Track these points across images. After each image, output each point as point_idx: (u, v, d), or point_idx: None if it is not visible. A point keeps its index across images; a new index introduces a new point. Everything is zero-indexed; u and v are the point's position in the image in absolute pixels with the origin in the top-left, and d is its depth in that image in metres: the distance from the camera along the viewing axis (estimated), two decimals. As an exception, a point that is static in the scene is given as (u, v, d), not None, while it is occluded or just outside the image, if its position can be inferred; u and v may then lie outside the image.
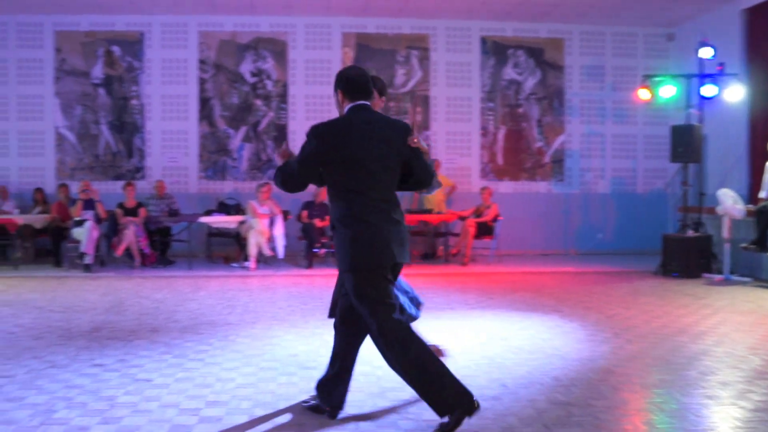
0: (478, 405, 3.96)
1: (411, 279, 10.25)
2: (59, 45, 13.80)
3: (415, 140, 4.15)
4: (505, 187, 14.24)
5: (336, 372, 4.33)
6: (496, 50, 14.24)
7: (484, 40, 14.22)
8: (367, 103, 4.19)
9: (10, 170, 13.80)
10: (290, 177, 4.15)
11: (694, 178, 12.01)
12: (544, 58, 14.30)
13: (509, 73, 14.28)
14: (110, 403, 4.54)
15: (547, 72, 14.30)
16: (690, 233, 11.16)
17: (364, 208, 4.01)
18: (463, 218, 12.75)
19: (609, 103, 14.43)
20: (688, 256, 10.87)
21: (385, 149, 4.08)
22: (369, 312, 4.03)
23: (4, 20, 13.68)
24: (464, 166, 14.21)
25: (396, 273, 4.22)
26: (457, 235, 12.91)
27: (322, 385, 4.38)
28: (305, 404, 4.46)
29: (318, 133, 4.06)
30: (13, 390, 4.83)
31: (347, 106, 4.18)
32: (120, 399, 4.64)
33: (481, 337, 6.57)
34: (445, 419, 3.92)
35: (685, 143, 11.21)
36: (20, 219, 12.08)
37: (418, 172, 4.22)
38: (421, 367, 3.96)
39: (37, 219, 12.49)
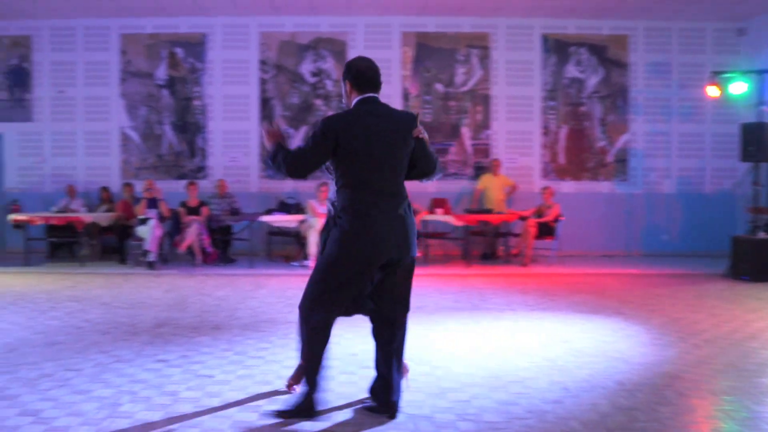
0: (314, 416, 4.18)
1: (471, 280, 10.25)
2: (124, 47, 14.06)
3: (421, 130, 4.14)
4: (567, 186, 14.04)
5: (378, 374, 4.35)
6: (557, 48, 14.04)
7: (545, 38, 14.04)
8: (376, 95, 4.19)
9: (77, 169, 14.14)
10: (296, 165, 4.10)
11: (765, 177, 11.67)
12: (607, 55, 14.05)
13: (571, 71, 14.07)
14: (173, 398, 4.62)
15: (610, 70, 14.05)
16: (761, 235, 10.82)
17: (370, 201, 4.04)
18: (523, 218, 12.61)
19: (675, 101, 14.11)
20: (759, 259, 10.52)
21: (392, 142, 4.09)
22: (316, 281, 4.19)
23: (73, 24, 14.02)
24: (525, 165, 14.05)
25: (405, 267, 4.25)
26: (517, 235, 12.76)
27: (373, 389, 4.37)
28: (365, 405, 4.43)
29: (328, 125, 4.06)
30: (81, 383, 4.95)
31: (355, 99, 4.18)
32: (183, 394, 4.71)
33: (542, 338, 6.47)
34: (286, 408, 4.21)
35: (756, 142, 10.88)
36: (87, 217, 12.33)
37: (422, 164, 4.24)
38: (306, 359, 4.21)
39: (103, 217, 12.72)
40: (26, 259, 12.18)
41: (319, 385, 4.19)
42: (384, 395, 4.28)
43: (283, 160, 4.12)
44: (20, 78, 14.18)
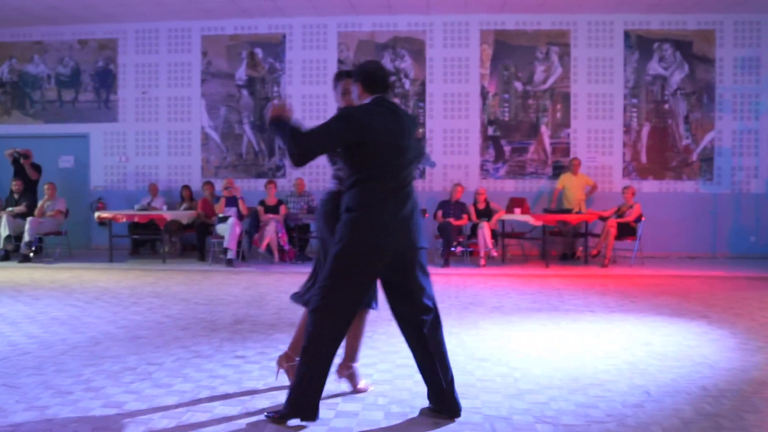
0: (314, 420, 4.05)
1: (550, 280, 10.12)
2: (205, 49, 14.32)
3: (421, 130, 4.31)
4: (649, 186, 13.71)
5: (426, 381, 4.29)
6: (640, 44, 13.72)
7: (627, 34, 13.74)
8: (386, 95, 4.23)
9: (159, 168, 14.48)
10: (312, 145, 4.00)
11: None
12: (692, 51, 13.66)
13: (654, 67, 13.73)
14: (252, 394, 4.64)
15: (695, 66, 13.67)
16: None
17: (384, 194, 4.05)
18: (603, 218, 12.40)
19: (765, 98, 13.62)
20: None
21: (404, 139, 4.15)
22: (327, 284, 4.04)
23: (157, 27, 14.38)
24: (606, 164, 13.77)
25: (415, 258, 4.17)
26: (597, 235, 12.54)
27: (429, 396, 4.31)
28: (430, 408, 4.34)
29: (353, 112, 4.07)
30: (162, 377, 5.04)
31: (366, 100, 4.21)
32: (260, 390, 4.73)
33: (623, 341, 6.29)
34: (283, 408, 4.05)
35: None
36: (168, 215, 12.56)
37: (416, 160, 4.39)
38: (309, 360, 3.99)
39: (183, 215, 12.96)
40: (110, 255, 12.50)
41: (319, 396, 4.08)
42: (439, 402, 4.22)
43: (295, 139, 4.00)
44: (106, 80, 14.61)
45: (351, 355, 4.75)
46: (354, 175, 4.11)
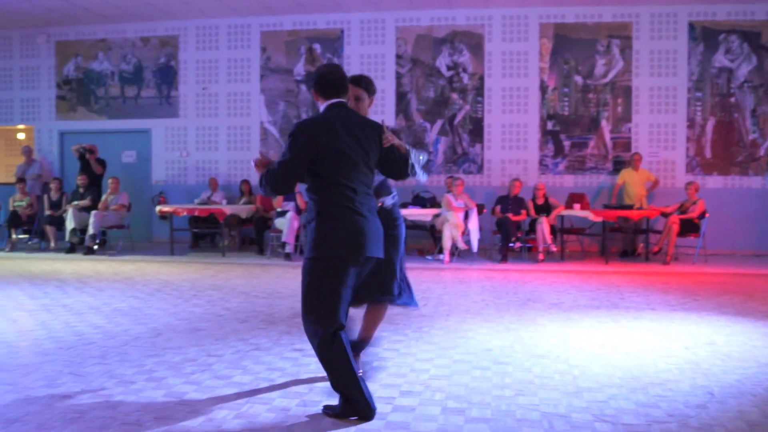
0: (372, 416, 4.07)
1: (609, 277, 9.96)
2: (264, 44, 14.45)
3: (390, 138, 4.17)
4: (714, 182, 13.40)
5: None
6: (705, 36, 13.41)
7: (692, 26, 13.43)
8: (343, 100, 4.23)
9: (219, 163, 14.68)
10: (280, 178, 4.08)
11: None
12: (761, 42, 13.29)
13: (720, 59, 13.40)
14: (309, 387, 4.68)
15: (764, 57, 13.29)
16: None
17: (349, 200, 4.05)
18: (666, 214, 12.17)
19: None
20: None
21: (364, 145, 4.12)
22: (307, 300, 4.09)
23: (216, 23, 14.55)
24: (668, 159, 13.50)
25: (367, 267, 4.24)
26: (659, 232, 12.30)
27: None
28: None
29: (304, 128, 4.08)
30: (222, 368, 5.12)
31: (323, 105, 4.22)
32: (317, 384, 4.75)
33: (685, 340, 6.13)
34: (336, 403, 4.14)
35: None
36: (228, 209, 12.69)
37: (389, 170, 4.36)
38: (334, 369, 4.06)
39: (242, 209, 13.08)
40: (171, 248, 12.72)
41: (362, 391, 4.07)
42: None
43: (267, 179, 4.12)
44: (167, 76, 14.86)
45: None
46: (316, 182, 4.12)
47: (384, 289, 4.61)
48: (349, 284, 4.11)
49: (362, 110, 4.58)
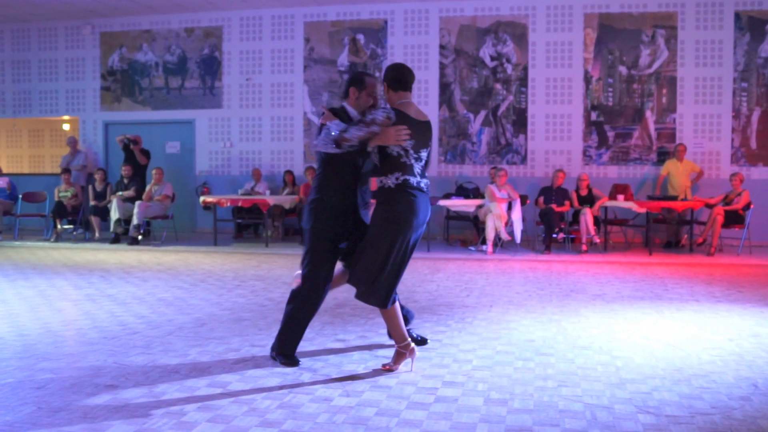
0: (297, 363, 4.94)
1: (653, 268, 9.88)
2: (308, 35, 14.49)
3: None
4: (759, 173, 13.19)
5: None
6: (751, 25, 13.18)
7: (738, 15, 13.21)
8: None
9: (262, 153, 14.75)
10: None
11: None
12: (808, 32, 13.07)
13: (767, 50, 13.17)
14: (352, 378, 4.68)
15: (811, 48, 13.08)
16: None
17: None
18: (710, 206, 12.03)
19: None
20: None
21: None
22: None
23: (260, 14, 14.62)
24: (713, 150, 13.32)
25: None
26: (703, 223, 12.15)
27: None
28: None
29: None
30: (265, 359, 5.13)
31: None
32: (360, 374, 4.78)
33: (729, 331, 6.07)
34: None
35: None
36: (271, 199, 12.68)
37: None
38: (290, 313, 4.96)
39: (286, 200, 13.11)
40: (215, 238, 12.79)
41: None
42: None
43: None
44: (211, 67, 14.96)
45: (397, 337, 4.88)
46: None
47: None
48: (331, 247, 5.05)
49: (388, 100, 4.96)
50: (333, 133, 4.67)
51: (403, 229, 4.64)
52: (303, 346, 5.45)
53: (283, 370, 4.85)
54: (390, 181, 4.68)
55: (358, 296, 4.79)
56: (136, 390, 4.39)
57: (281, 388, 4.47)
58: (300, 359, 5.00)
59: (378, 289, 4.69)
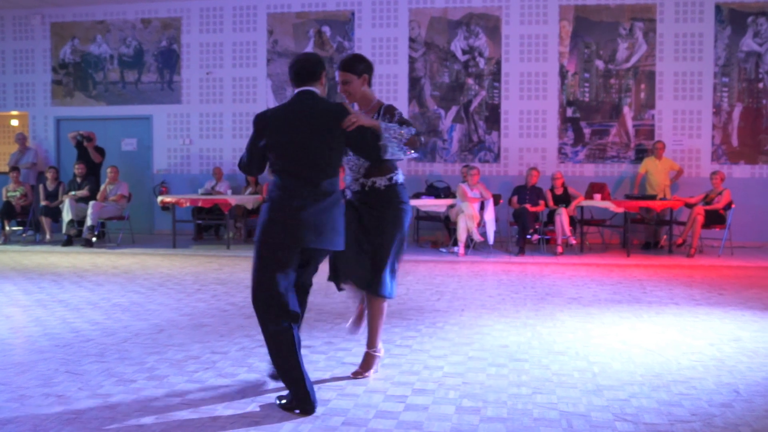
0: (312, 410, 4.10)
1: (631, 270, 9.57)
2: (271, 27, 14.09)
3: (353, 121, 4.15)
4: (740, 171, 12.93)
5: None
6: (733, 18, 12.85)
7: (719, 8, 12.88)
8: (310, 89, 4.34)
9: (224, 151, 14.44)
10: (244, 160, 4.46)
11: None
12: (791, 25, 12.76)
13: (748, 43, 12.85)
14: (318, 385, 4.55)
15: (794, 42, 12.76)
16: None
17: (289, 190, 4.19)
18: (690, 205, 11.83)
19: None
20: None
21: (312, 134, 4.22)
22: (253, 268, 4.30)
23: (221, 4, 14.26)
24: (693, 148, 13.03)
25: (314, 258, 4.40)
26: (683, 223, 11.89)
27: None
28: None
29: (256, 118, 4.37)
30: (226, 366, 5.07)
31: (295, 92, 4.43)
32: (327, 381, 4.71)
33: (709, 336, 6.01)
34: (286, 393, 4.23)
35: None
36: (233, 199, 12.40)
37: (359, 153, 4.42)
38: (272, 347, 4.21)
39: (248, 200, 12.83)
40: (173, 240, 12.50)
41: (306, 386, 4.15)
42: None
43: (240, 160, 4.56)
44: (169, 60, 14.57)
45: (369, 341, 4.78)
46: (270, 167, 4.38)
47: (369, 281, 4.69)
48: (283, 267, 4.21)
49: (354, 92, 4.64)
50: (404, 134, 4.37)
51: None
52: (264, 352, 5.28)
53: (245, 377, 4.78)
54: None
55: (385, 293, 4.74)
56: (90, 401, 4.29)
57: (243, 397, 4.40)
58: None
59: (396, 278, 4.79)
